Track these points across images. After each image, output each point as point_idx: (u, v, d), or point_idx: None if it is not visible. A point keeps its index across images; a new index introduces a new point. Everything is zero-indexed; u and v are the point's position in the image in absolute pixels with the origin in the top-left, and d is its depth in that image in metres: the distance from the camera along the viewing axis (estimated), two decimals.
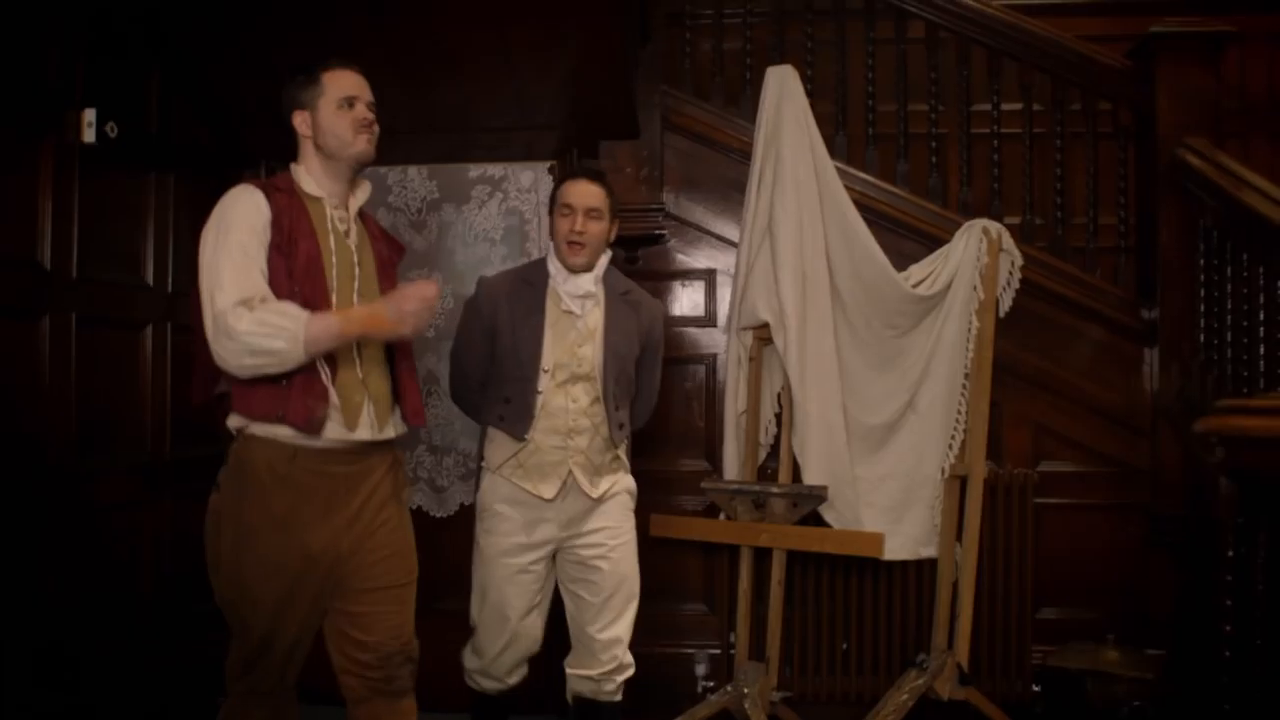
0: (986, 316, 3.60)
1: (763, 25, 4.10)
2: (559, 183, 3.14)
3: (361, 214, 2.61)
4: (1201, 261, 3.60)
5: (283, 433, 2.38)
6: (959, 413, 3.64)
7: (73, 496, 3.10)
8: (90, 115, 3.17)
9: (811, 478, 3.50)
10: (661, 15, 4.02)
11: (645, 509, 3.38)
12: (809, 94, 3.68)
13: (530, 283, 3.07)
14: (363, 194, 2.58)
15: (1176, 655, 3.65)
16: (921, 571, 3.74)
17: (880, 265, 3.58)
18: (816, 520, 3.55)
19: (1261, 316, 3.25)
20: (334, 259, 2.45)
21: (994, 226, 3.64)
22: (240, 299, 2.27)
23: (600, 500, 3.07)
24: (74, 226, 3.15)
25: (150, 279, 3.53)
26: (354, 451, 2.47)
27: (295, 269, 2.38)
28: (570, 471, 3.01)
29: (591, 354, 3.03)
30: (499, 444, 3.05)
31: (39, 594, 2.97)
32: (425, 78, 3.53)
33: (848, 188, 3.68)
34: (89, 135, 3.17)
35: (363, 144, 2.49)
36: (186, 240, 3.64)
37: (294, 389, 2.37)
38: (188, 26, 3.40)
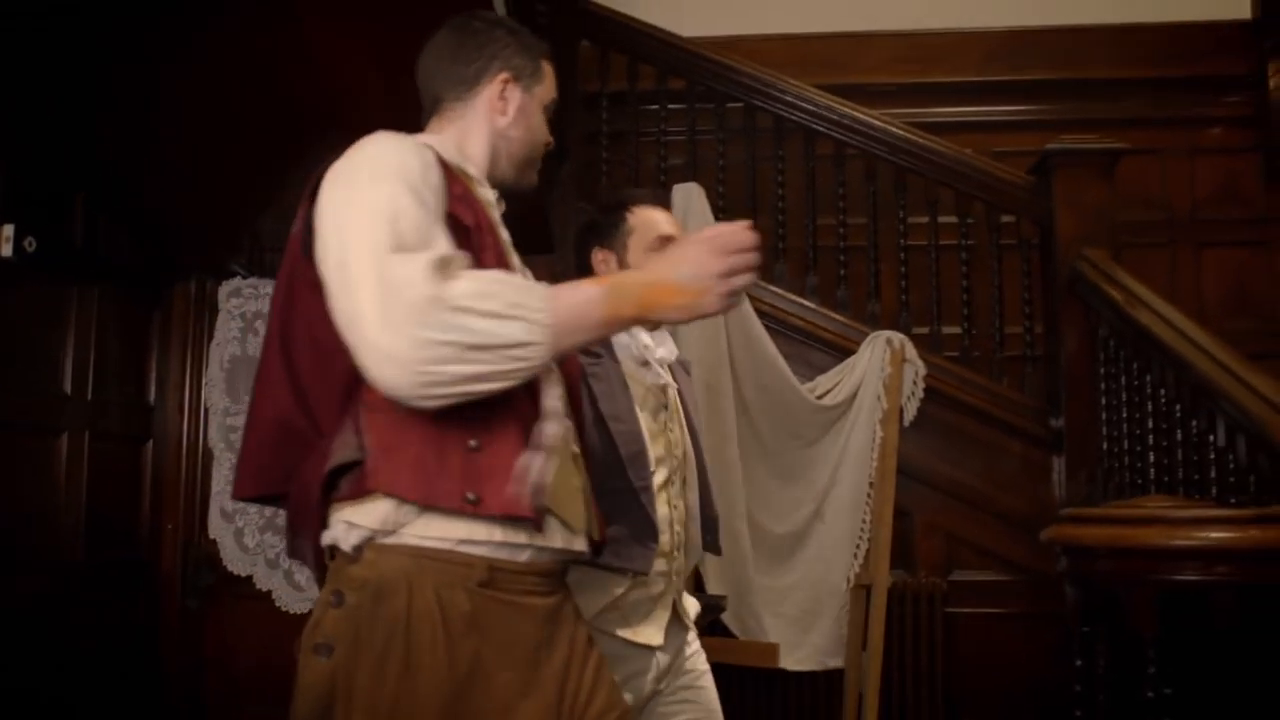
0: (890, 425, 3.63)
1: (676, 144, 4.24)
2: (617, 208, 2.33)
3: None
4: (1101, 370, 3.64)
5: (471, 534, 1.38)
6: (864, 521, 3.65)
7: None
8: (9, 231, 3.31)
9: (713, 587, 3.50)
10: (579, 135, 4.17)
11: None
12: (720, 210, 3.80)
13: (593, 353, 2.13)
14: None
15: None
16: (832, 682, 3.69)
17: (785, 377, 3.64)
18: (724, 631, 3.53)
19: (1150, 425, 3.29)
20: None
21: (897, 337, 3.70)
22: (439, 256, 1.31)
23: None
24: None
25: (69, 388, 3.62)
26: (553, 574, 1.52)
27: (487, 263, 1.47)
28: (673, 601, 2.19)
29: (681, 437, 2.25)
30: (584, 586, 1.94)
31: None
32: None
33: (758, 300, 3.77)
34: (6, 250, 3.30)
35: None
36: (112, 350, 3.76)
37: (491, 454, 1.38)
38: (112, 146, 3.56)
